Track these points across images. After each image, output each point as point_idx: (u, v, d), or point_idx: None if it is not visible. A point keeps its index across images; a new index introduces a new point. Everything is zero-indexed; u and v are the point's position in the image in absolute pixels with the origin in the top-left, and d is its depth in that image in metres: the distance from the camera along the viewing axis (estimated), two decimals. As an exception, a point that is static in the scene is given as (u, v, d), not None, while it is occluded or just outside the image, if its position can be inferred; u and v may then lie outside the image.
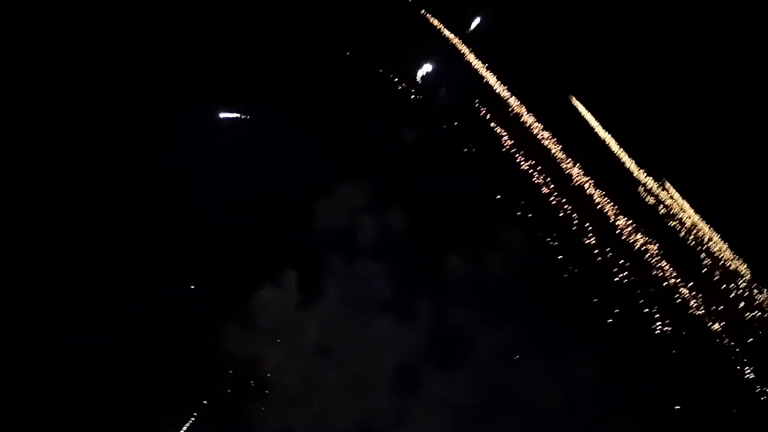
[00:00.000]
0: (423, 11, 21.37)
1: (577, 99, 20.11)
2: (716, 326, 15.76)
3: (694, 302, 16.22)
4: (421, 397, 14.84)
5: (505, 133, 19.43)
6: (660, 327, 15.70)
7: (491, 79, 20.62)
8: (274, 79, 18.96)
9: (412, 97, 19.77)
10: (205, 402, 14.47)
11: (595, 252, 17.00)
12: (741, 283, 16.46)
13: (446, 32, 21.35)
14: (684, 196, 17.96)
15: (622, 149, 19.27)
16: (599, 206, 17.88)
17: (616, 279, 16.49)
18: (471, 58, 21.03)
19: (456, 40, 21.19)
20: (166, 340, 14.94)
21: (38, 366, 14.36)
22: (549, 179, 18.47)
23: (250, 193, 17.10)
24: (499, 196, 17.71)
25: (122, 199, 16.50)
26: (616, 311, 15.81)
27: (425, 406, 14.69)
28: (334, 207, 17.32)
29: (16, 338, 14.40)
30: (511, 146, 19.22)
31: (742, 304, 16.17)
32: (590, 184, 18.29)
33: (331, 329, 15.56)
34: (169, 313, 15.24)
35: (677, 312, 16.06)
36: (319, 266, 16.41)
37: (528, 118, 19.76)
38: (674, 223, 17.69)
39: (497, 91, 20.42)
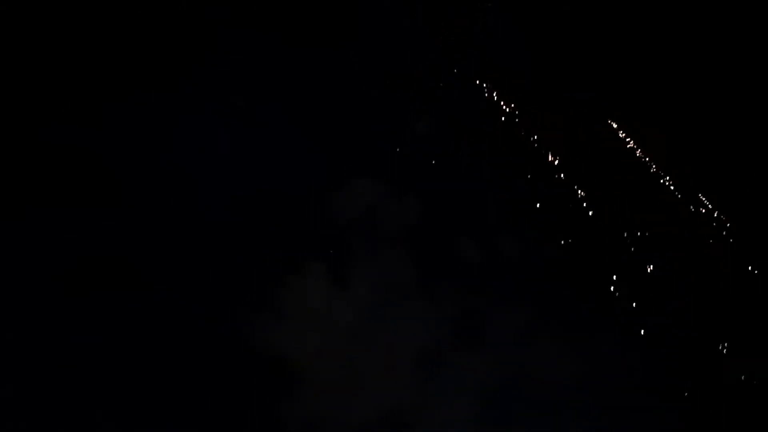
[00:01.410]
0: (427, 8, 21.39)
1: (585, 95, 20.09)
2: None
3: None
4: (445, 380, 14.73)
5: (513, 129, 19.44)
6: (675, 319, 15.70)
7: (499, 73, 20.61)
8: (274, 79, 18.98)
9: (414, 95, 19.78)
10: (228, 396, 14.37)
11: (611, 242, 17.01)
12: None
13: (451, 27, 21.33)
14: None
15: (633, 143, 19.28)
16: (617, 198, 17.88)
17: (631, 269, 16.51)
18: (478, 53, 21.00)
19: (462, 35, 21.17)
20: (172, 339, 14.90)
21: (38, 366, 14.32)
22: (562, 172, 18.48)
23: (250, 193, 17.10)
24: (510, 189, 17.73)
25: (122, 199, 16.47)
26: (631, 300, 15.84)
27: (449, 389, 14.58)
28: (338, 205, 17.31)
29: (16, 338, 14.37)
30: (516, 142, 19.22)
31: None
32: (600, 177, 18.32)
33: (351, 317, 15.46)
34: (170, 313, 15.21)
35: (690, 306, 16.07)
36: (329, 259, 16.34)
37: (539, 113, 19.75)
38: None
39: (507, 86, 20.41)
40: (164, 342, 14.90)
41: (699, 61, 19.02)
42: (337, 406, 14.32)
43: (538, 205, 18.03)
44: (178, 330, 15.06)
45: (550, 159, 19.03)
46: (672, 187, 18.44)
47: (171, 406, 14.27)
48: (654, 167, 18.86)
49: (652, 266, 16.83)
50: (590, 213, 17.90)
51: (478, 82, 20.76)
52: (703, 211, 17.77)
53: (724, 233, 17.38)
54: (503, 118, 19.97)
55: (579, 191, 18.34)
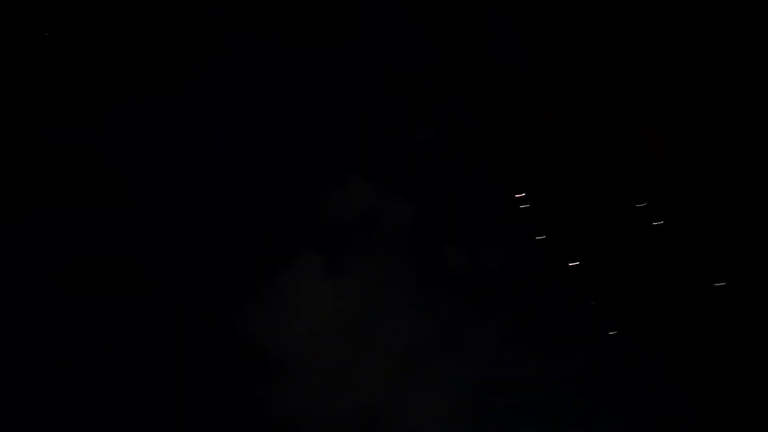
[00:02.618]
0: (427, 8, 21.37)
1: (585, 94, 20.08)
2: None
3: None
4: (424, 381, 14.78)
5: (512, 129, 19.42)
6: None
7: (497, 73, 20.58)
8: (274, 79, 18.99)
9: (414, 95, 19.77)
10: (216, 388, 14.40)
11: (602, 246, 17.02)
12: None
13: (451, 27, 21.31)
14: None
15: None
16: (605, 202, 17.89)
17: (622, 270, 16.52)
18: (478, 53, 20.97)
19: (462, 35, 21.14)
20: (172, 339, 14.93)
21: (39, 365, 14.35)
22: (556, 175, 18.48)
23: (250, 193, 17.12)
24: (504, 192, 17.73)
25: (122, 199, 16.50)
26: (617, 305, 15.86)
27: (428, 390, 14.62)
28: (338, 205, 17.32)
29: (16, 338, 14.40)
30: (516, 142, 19.21)
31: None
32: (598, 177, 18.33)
33: (351, 318, 15.49)
34: (170, 313, 15.24)
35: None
36: (328, 259, 16.36)
37: (537, 113, 19.73)
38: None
39: (504, 85, 20.39)
40: (164, 341, 14.94)
41: (699, 61, 19.01)
42: (328, 402, 14.39)
43: (537, 206, 18.03)
44: (178, 330, 15.10)
45: (549, 159, 19.04)
46: (672, 187, 18.44)
47: (171, 405, 14.32)
48: (654, 167, 18.86)
49: (652, 266, 16.85)
50: (590, 213, 17.92)
51: (478, 82, 20.75)
52: (703, 211, 17.77)
53: (724, 233, 17.38)
54: (503, 118, 19.96)
55: (578, 191, 18.35)
